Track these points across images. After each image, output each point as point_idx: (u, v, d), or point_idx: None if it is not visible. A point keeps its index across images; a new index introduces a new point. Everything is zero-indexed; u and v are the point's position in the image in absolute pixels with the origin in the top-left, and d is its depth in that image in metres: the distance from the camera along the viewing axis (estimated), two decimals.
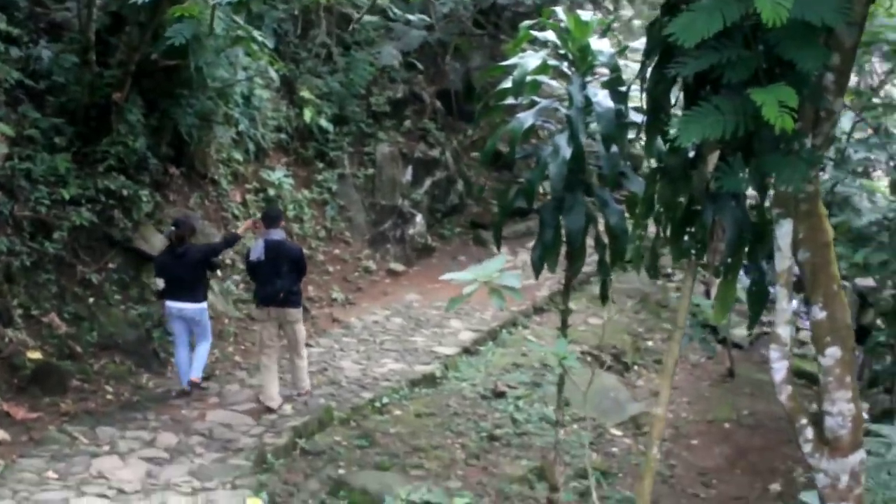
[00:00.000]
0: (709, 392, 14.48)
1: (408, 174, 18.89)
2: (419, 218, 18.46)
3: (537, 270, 8.86)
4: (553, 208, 8.61)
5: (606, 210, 8.58)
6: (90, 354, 11.48)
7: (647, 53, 6.22)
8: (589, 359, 14.56)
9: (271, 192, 16.06)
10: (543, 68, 8.51)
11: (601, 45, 8.65)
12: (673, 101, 6.52)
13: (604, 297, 9.20)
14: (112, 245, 12.36)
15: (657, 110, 6.31)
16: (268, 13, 16.42)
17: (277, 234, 11.05)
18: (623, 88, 8.21)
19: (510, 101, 9.17)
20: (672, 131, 5.36)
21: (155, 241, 12.77)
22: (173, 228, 11.20)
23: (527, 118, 8.47)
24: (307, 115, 17.13)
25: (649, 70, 6.28)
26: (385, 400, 11.89)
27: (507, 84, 8.82)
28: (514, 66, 8.71)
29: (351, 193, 17.72)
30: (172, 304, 11.10)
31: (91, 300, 11.86)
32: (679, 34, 4.79)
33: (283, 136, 16.91)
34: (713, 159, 5.96)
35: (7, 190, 11.24)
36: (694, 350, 16.03)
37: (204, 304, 11.29)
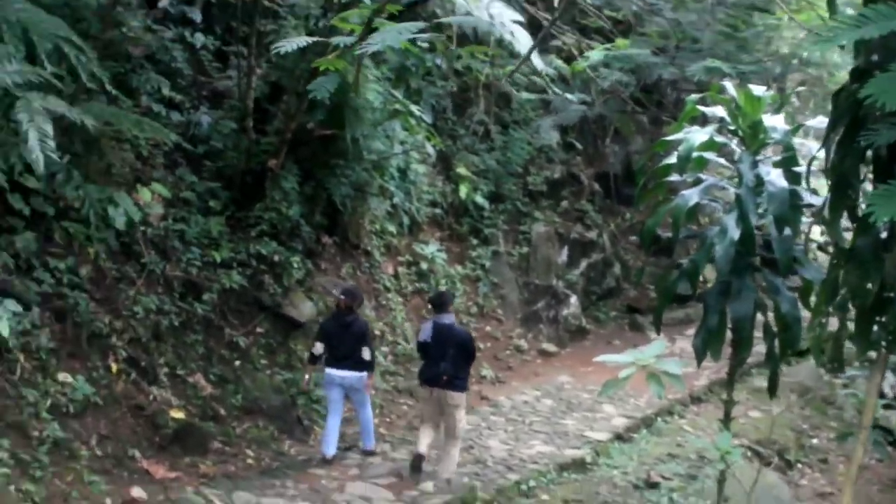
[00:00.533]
0: (879, 498, 13.35)
1: (563, 255, 18.46)
2: (573, 299, 17.97)
3: (700, 358, 8.24)
4: (719, 293, 8.06)
5: (777, 297, 7.98)
6: (233, 417, 11.33)
7: (833, 124, 5.72)
8: (749, 454, 13.67)
9: (424, 265, 15.87)
10: (710, 145, 8.06)
11: (774, 122, 8.15)
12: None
13: (772, 390, 8.54)
14: (261, 309, 12.29)
15: (843, 186, 5.76)
16: (426, 89, 16.44)
17: (447, 318, 10.90)
18: (799, 168, 7.69)
19: (674, 177, 8.71)
20: (865, 207, 4.81)
21: (304, 309, 12.69)
22: (342, 297, 11.21)
23: (692, 196, 7.97)
24: (463, 191, 16.96)
25: (833, 144, 5.77)
26: (532, 483, 11.30)
27: (671, 160, 8.36)
28: (679, 142, 8.29)
29: (504, 271, 17.38)
30: (334, 372, 11.07)
31: (237, 363, 11.77)
32: (878, 96, 4.29)
33: (437, 210, 16.76)
34: None
35: (160, 250, 11.33)
36: (865, 451, 14.90)
37: (365, 374, 11.15)
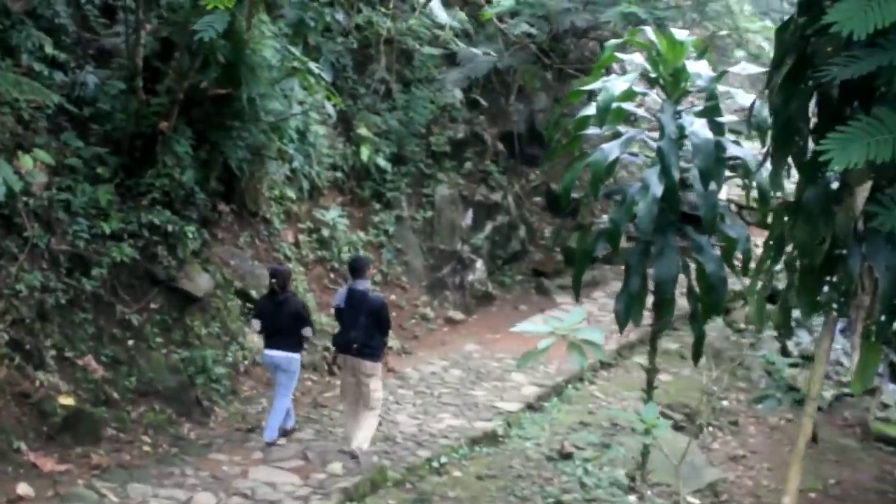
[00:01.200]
0: (789, 457, 13.28)
1: (468, 218, 17.98)
2: (479, 264, 17.55)
3: (622, 323, 7.83)
4: (640, 253, 7.63)
5: (702, 256, 7.58)
6: (127, 401, 10.63)
7: (777, 63, 5.24)
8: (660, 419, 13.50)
9: (325, 232, 15.24)
10: (629, 94, 7.56)
11: (699, 68, 7.69)
12: None
13: (697, 356, 8.20)
14: (155, 284, 11.53)
15: (788, 132, 5.30)
16: (325, 45, 15.73)
17: (362, 284, 10.63)
18: (723, 119, 7.26)
19: (591, 130, 8.23)
20: (823, 154, 4.24)
21: (201, 282, 11.98)
22: (272, 279, 10.90)
23: (611, 150, 7.50)
24: (364, 153, 16.33)
25: (776, 86, 5.30)
26: (443, 459, 10.90)
27: (588, 111, 7.87)
28: (595, 92, 7.80)
29: (408, 237, 16.83)
30: (269, 352, 10.84)
31: (130, 343, 11.02)
32: (843, 23, 3.81)
33: (338, 174, 16.10)
34: (863, 192, 4.88)
35: (44, 222, 10.49)
36: (773, 410, 14.86)
37: (297, 355, 10.86)
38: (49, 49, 11.38)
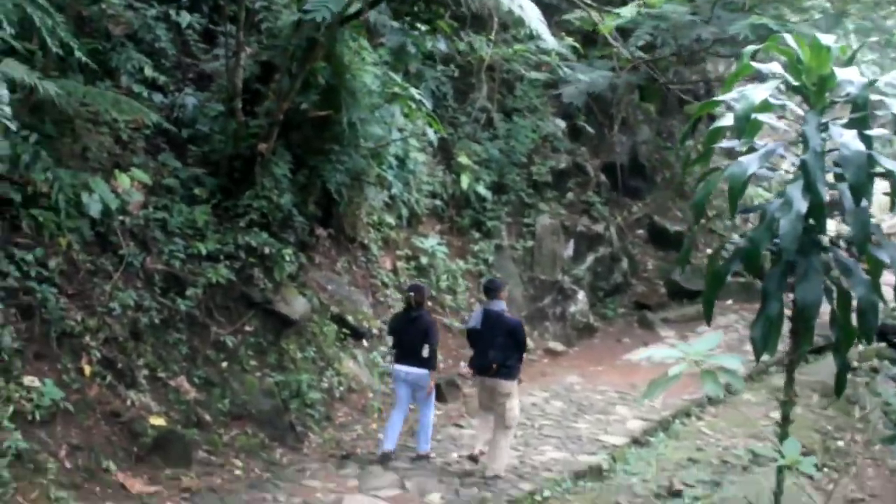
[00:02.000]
0: None
1: (569, 249, 17.56)
2: (581, 295, 17.05)
3: (759, 351, 7.17)
4: (781, 275, 7.03)
5: (850, 279, 6.97)
6: (219, 424, 10.37)
7: None
8: (772, 457, 12.79)
9: (424, 260, 14.96)
10: (766, 106, 7.01)
11: (847, 75, 7.08)
12: None
13: (839, 389, 7.54)
14: (250, 306, 11.32)
15: None
16: (425, 73, 15.55)
17: (498, 305, 10.71)
18: (873, 132, 6.70)
19: (725, 143, 7.70)
20: None
21: (297, 305, 11.74)
22: (411, 294, 10.99)
23: (750, 163, 6.90)
24: (464, 181, 16.05)
25: None
26: (546, 493, 10.35)
27: (726, 121, 7.34)
28: (732, 103, 7.27)
29: (508, 266, 16.45)
30: (400, 368, 10.83)
31: (224, 364, 10.79)
32: None
33: (437, 202, 15.85)
34: None
35: (140, 241, 10.38)
36: (893, 453, 14.01)
37: (426, 371, 10.75)
38: (149, 71, 11.41)
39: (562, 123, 18.24)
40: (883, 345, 18.29)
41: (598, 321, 17.50)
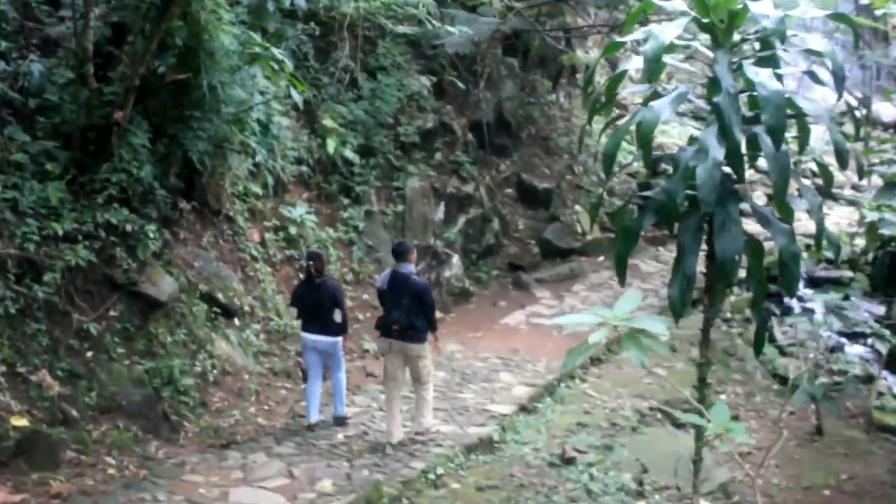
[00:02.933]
0: (798, 453, 12.50)
1: (440, 212, 17.09)
2: (455, 259, 16.63)
3: (678, 311, 6.86)
4: (696, 228, 6.69)
5: (770, 229, 6.66)
6: (88, 419, 9.58)
7: None
8: (660, 416, 12.68)
9: (293, 230, 14.26)
10: (672, 47, 6.60)
11: (760, 9, 6.65)
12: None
13: (759, 346, 7.27)
14: (114, 289, 10.46)
15: None
16: (285, 32, 14.75)
17: (406, 268, 10.75)
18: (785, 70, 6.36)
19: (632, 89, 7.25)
20: None
21: (164, 285, 10.95)
22: (310, 262, 11.01)
23: (662, 108, 6.50)
24: (331, 145, 15.36)
25: None
26: (440, 471, 9.98)
27: (630, 65, 6.90)
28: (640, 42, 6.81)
29: (379, 232, 15.89)
30: (308, 336, 10.89)
31: (89, 354, 9.95)
32: None
33: (304, 168, 15.11)
34: None
35: None
36: (771, 403, 14.11)
37: (339, 339, 10.98)
38: None
39: (426, 81, 17.67)
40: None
41: (473, 285, 17.12)
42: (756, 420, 13.39)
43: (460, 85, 18.06)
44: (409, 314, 10.44)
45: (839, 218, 22.97)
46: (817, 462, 12.16)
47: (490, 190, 18.70)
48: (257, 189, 13.78)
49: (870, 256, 14.31)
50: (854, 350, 17.74)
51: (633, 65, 6.76)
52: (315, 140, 15.38)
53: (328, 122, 15.52)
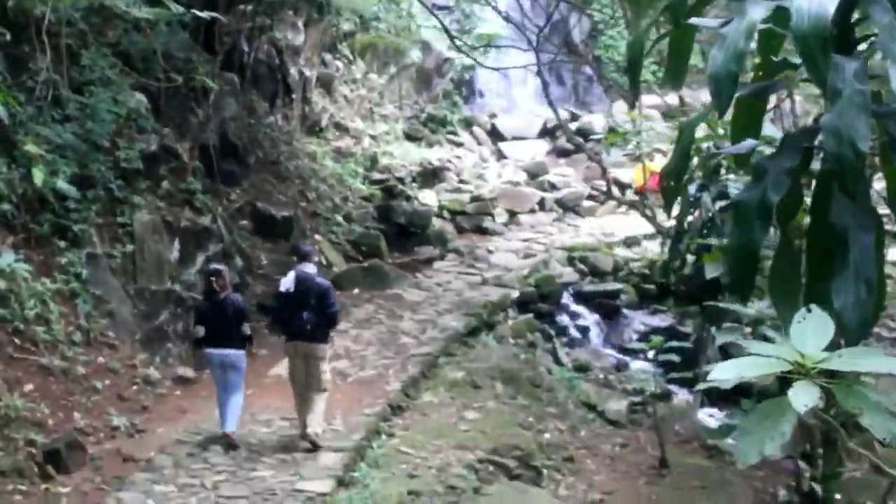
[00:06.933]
0: (655, 493, 10.89)
1: (174, 250, 14.28)
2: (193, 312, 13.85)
3: (858, 332, 4.32)
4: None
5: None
6: None
7: None
8: (492, 469, 10.68)
9: (0, 284, 11.11)
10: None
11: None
12: None
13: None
14: None
15: None
16: None
17: (310, 268, 10.82)
18: None
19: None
20: None
21: None
22: (212, 278, 10.96)
23: (737, 38, 4.29)
24: (38, 176, 12.20)
25: None
26: None
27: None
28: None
29: (107, 279, 12.86)
30: (214, 351, 10.79)
31: None
32: None
33: (5, 206, 11.93)
34: None
35: None
36: (598, 436, 12.49)
37: (242, 352, 10.90)
38: None
39: (144, 98, 14.83)
40: (530, 316, 16.98)
41: None
42: (591, 459, 11.67)
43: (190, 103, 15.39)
44: (317, 315, 10.41)
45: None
46: (681, 501, 10.56)
47: (225, 222, 16.05)
48: None
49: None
50: (637, 366, 16.65)
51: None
52: (17, 170, 12.22)
53: (31, 147, 12.38)
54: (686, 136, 4.85)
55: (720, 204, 11.61)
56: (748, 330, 9.07)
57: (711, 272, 10.38)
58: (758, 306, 8.33)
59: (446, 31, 23.40)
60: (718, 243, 10.64)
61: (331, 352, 11.36)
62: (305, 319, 10.33)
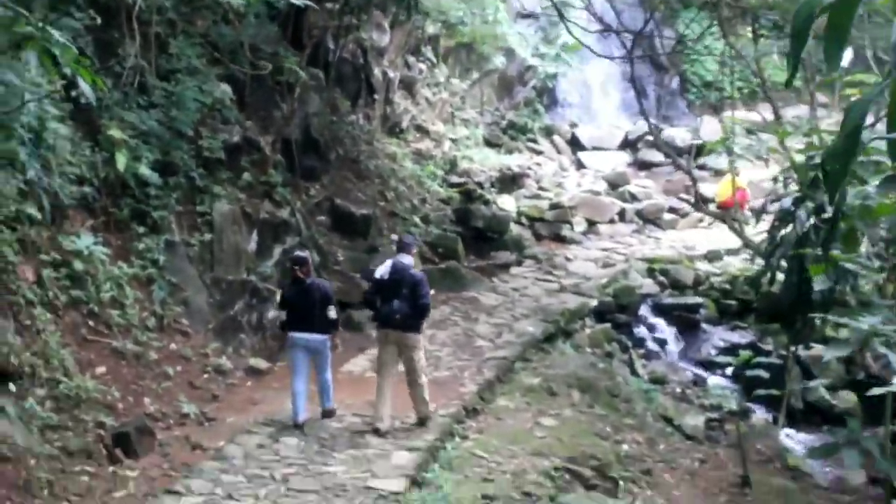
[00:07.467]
0: None
1: (252, 241, 14.21)
2: (278, 297, 13.74)
3: None
4: None
5: None
6: None
7: None
8: (568, 477, 10.36)
9: (78, 265, 11.14)
10: None
11: None
12: None
13: None
14: None
15: None
16: (58, 22, 11.59)
17: (406, 259, 10.96)
18: None
19: None
20: None
21: None
22: (296, 267, 11.12)
23: None
24: (120, 161, 12.24)
25: None
26: None
27: None
28: None
29: (185, 267, 12.84)
30: (299, 335, 10.89)
31: None
32: None
33: (87, 189, 11.93)
34: None
35: None
36: (677, 450, 12.11)
37: (327, 336, 11.04)
38: None
39: (228, 89, 14.81)
40: (607, 325, 16.64)
41: None
42: (669, 473, 11.30)
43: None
44: (409, 304, 10.52)
45: None
46: None
47: (303, 216, 15.96)
48: (33, 212, 10.58)
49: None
50: (714, 381, 16.25)
51: None
52: (100, 154, 12.24)
53: (115, 132, 12.40)
54: (854, 116, 4.38)
55: (813, 217, 11.19)
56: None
57: (820, 285, 9.99)
58: (870, 321, 7.76)
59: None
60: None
61: (425, 342, 11.59)
62: (396, 308, 10.51)
